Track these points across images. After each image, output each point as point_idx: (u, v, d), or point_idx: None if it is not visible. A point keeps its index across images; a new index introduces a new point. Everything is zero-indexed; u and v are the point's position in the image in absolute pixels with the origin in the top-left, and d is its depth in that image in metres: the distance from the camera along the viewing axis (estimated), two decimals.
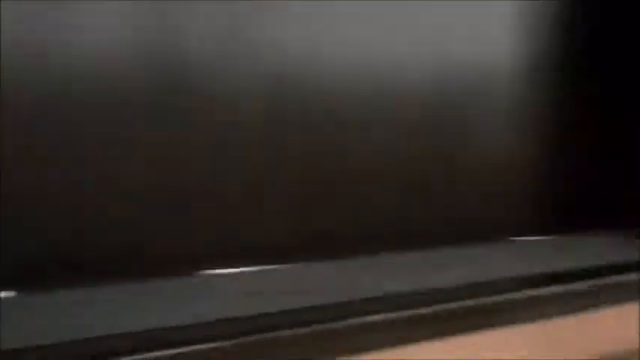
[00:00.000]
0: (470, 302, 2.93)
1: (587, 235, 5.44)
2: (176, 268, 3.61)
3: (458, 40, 4.96)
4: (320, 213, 4.22)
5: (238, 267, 3.85)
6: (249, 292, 3.10)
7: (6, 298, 2.82)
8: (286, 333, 2.24)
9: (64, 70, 3.18)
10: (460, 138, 5.02)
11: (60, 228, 3.06)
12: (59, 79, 3.04)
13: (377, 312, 2.58)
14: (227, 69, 3.29)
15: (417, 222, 4.63)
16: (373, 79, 4.40)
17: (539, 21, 5.60)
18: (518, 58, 5.36)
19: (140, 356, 1.48)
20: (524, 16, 5.46)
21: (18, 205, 3.01)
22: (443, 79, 4.86)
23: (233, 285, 3.41)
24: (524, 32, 5.44)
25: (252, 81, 3.50)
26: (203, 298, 2.67)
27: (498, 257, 4.44)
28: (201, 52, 3.58)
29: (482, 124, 5.06)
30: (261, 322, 2.35)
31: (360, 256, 4.13)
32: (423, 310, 2.78)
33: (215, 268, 3.78)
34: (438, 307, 2.82)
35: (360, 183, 4.63)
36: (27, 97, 2.85)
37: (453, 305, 2.90)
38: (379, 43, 4.49)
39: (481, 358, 2.93)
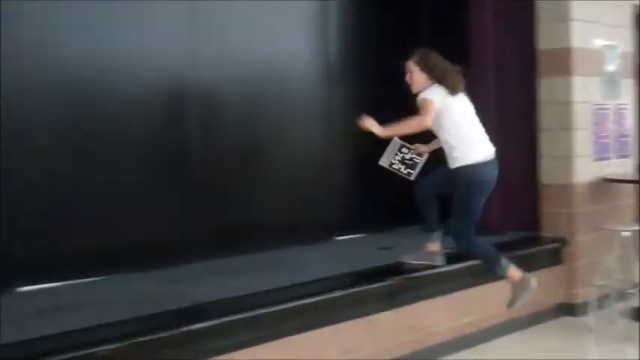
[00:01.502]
0: (298, 303, 3.30)
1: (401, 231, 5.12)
2: None
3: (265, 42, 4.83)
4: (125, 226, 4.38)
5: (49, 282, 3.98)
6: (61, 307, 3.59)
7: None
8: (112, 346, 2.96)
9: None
10: (274, 141, 5.07)
11: None
12: None
13: (211, 318, 2.98)
14: None
15: (235, 227, 4.74)
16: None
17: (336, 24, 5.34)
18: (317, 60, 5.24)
19: None
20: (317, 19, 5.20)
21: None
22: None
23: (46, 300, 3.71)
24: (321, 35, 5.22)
25: None
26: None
27: (321, 257, 4.52)
28: None
29: (293, 127, 5.04)
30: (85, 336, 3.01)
31: (173, 266, 4.34)
32: (257, 312, 3.10)
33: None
34: (270, 309, 3.22)
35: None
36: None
37: (284, 306, 3.31)
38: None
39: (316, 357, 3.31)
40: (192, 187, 4.99)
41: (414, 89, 4.56)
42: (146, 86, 4.83)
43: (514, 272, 4.45)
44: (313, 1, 5.75)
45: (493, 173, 4.55)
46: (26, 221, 4.24)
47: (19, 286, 4.21)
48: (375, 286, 4.40)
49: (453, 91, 4.49)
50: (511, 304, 4.45)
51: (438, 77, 4.50)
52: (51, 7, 4.32)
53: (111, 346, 3.26)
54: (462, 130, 4.52)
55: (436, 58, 4.55)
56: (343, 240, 5.66)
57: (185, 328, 3.47)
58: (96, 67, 4.53)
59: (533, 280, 4.42)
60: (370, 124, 4.44)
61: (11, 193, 4.13)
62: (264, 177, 5.32)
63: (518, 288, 4.41)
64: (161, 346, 3.39)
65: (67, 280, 4.34)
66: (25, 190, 4.26)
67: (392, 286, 4.48)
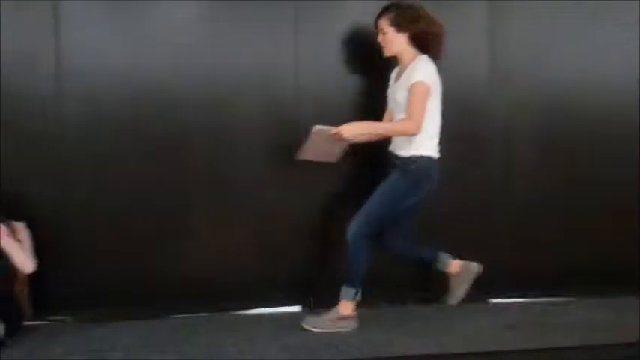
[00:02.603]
0: None
1: None
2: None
3: None
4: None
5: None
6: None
7: None
8: None
9: None
10: None
11: None
12: None
13: None
14: None
15: None
16: None
17: None
18: None
19: None
20: None
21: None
22: None
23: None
24: None
25: None
26: None
27: None
28: None
29: None
30: None
31: None
32: None
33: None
34: None
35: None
36: None
37: None
38: None
39: None
40: None
41: (388, 52, 3.81)
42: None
43: (350, 305, 3.82)
44: None
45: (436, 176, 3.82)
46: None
47: (492, 298, 4.44)
48: None
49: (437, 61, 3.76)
50: (313, 325, 3.82)
51: (420, 41, 3.73)
52: None
53: None
54: (436, 115, 3.79)
55: (416, 14, 3.73)
56: None
57: None
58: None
59: (356, 322, 3.84)
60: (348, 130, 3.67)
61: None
62: None
63: (339, 324, 3.81)
64: None
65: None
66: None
67: None
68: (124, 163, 4.04)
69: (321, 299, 4.09)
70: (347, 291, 3.82)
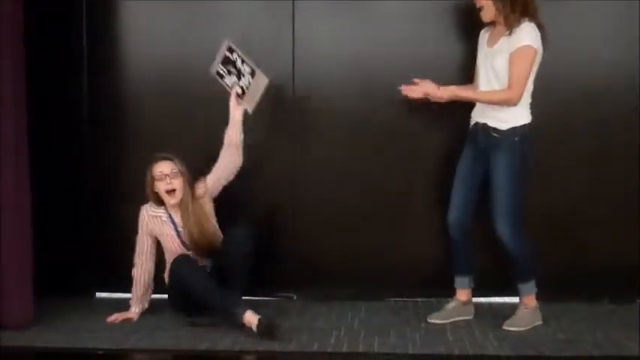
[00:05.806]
0: None
1: None
2: None
3: None
4: None
5: None
6: None
7: None
8: None
9: None
10: None
11: None
12: None
13: None
14: None
15: None
16: None
17: None
18: None
19: None
20: None
21: None
22: None
23: None
24: None
25: None
26: None
27: None
28: None
29: None
30: None
31: None
32: None
33: None
34: None
35: None
36: None
37: None
38: None
39: None
40: None
41: (487, 17, 3.58)
42: None
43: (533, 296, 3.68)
44: None
45: None
46: None
47: None
48: None
49: (542, 30, 3.51)
50: (518, 325, 3.60)
51: (525, 12, 3.49)
52: None
53: None
54: (531, 83, 3.56)
55: None
56: None
57: None
58: None
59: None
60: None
61: None
62: None
63: (535, 315, 3.66)
64: None
65: None
66: None
67: None
68: None
69: None
70: (528, 286, 3.68)
